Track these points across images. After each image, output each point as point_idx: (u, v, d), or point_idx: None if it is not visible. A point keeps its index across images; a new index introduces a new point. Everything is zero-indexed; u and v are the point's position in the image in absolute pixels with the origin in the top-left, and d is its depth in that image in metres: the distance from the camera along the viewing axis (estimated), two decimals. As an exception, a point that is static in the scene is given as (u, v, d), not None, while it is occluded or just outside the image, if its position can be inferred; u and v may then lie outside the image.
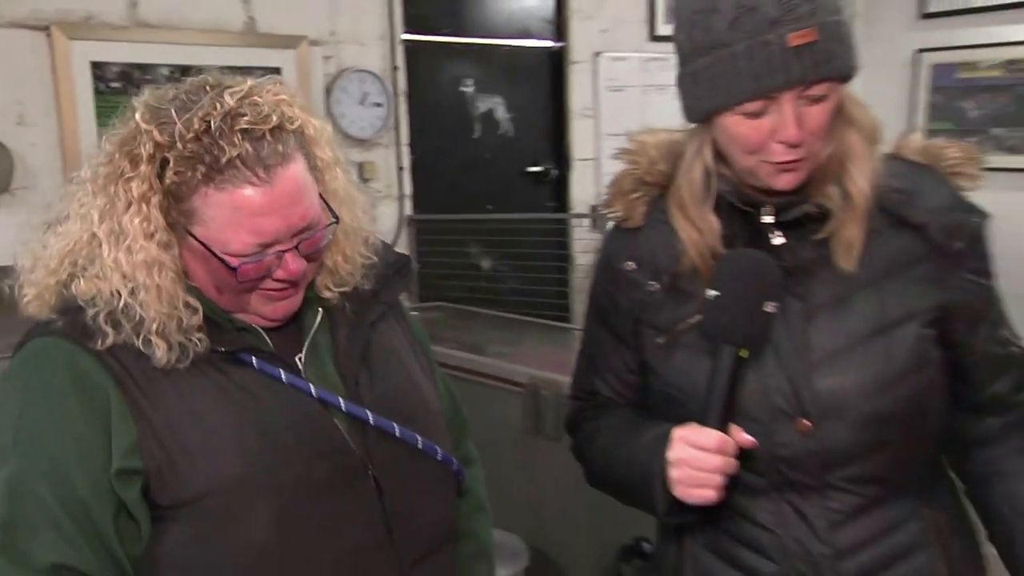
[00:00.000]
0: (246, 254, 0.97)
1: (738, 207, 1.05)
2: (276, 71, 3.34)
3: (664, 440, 1.02)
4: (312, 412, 1.03)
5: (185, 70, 3.12)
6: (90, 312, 0.95)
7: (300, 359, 1.06)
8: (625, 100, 4.33)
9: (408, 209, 3.71)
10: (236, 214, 0.96)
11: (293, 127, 0.98)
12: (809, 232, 1.05)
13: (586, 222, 4.19)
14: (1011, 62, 4.24)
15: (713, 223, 1.07)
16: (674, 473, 1.00)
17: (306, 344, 1.07)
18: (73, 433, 0.94)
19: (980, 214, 1.07)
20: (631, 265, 1.14)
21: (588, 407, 1.22)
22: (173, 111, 0.95)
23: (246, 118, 0.94)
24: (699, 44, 1.00)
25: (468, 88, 4.04)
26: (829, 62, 0.96)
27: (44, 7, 2.95)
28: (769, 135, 0.98)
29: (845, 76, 0.99)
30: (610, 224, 1.19)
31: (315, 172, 1.03)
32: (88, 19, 2.99)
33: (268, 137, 0.95)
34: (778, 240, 1.05)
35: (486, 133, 4.09)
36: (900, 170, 1.06)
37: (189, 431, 0.98)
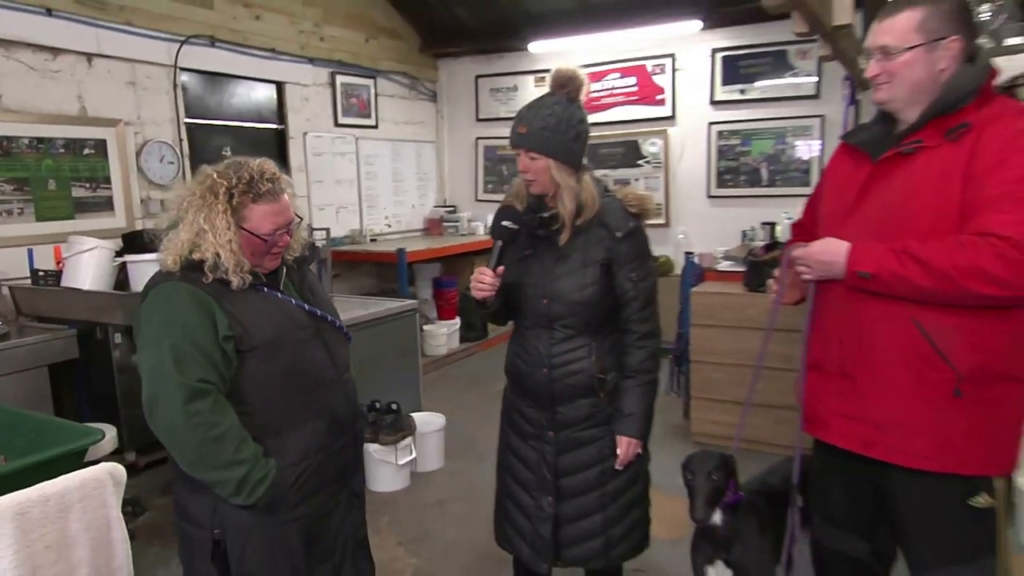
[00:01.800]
0: (269, 234, 1.52)
1: (534, 210, 1.77)
2: (103, 142, 4.23)
3: None
4: (296, 311, 1.60)
5: (40, 140, 3.91)
6: (205, 265, 1.48)
7: (280, 289, 1.60)
8: (322, 161, 5.63)
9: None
10: (265, 215, 1.51)
11: (283, 177, 1.57)
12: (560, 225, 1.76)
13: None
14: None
15: (524, 201, 1.80)
16: (471, 286, 1.76)
17: (282, 282, 1.63)
18: (196, 322, 1.46)
19: (636, 221, 1.76)
20: (507, 223, 1.81)
21: None
22: (231, 171, 1.50)
23: (267, 173, 1.51)
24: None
25: (227, 153, 4.71)
26: (528, 143, 1.71)
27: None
28: (522, 168, 1.73)
29: (541, 151, 1.69)
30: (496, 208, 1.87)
31: (289, 197, 1.58)
32: (-34, 105, 3.63)
33: (278, 181, 1.53)
34: (554, 227, 1.78)
35: (239, 182, 4.95)
36: (608, 201, 1.77)
37: (250, 317, 1.50)
